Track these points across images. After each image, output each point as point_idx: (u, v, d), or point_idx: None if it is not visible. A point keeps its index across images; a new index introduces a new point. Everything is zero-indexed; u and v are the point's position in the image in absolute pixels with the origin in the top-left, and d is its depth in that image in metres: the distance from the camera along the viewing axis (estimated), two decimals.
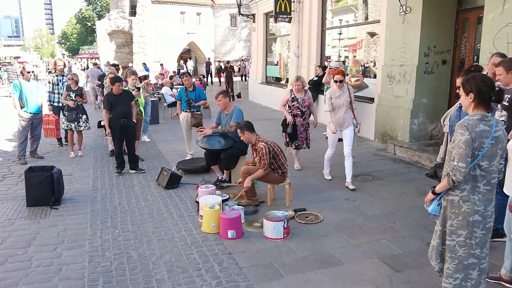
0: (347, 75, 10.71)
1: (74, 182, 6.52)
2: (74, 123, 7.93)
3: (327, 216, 4.98)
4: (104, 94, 7.92)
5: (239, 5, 15.74)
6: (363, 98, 9.70)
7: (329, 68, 9.95)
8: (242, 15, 16.99)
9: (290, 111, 6.85)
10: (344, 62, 11.21)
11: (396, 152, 7.86)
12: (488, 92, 2.64)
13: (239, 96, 17.92)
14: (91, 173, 6.98)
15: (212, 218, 4.55)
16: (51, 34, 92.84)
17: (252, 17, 16.66)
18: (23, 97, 7.46)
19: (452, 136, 4.25)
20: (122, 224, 4.87)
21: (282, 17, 12.61)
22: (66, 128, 8.00)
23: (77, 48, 66.84)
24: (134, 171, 6.99)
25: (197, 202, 5.11)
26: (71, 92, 7.87)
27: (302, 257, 4.00)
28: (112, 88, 6.77)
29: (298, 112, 6.80)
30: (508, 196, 3.17)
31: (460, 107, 4.28)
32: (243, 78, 28.11)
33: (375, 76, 9.34)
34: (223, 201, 4.98)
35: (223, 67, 22.93)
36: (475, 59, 7.13)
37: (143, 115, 8.41)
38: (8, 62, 32.88)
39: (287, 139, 6.96)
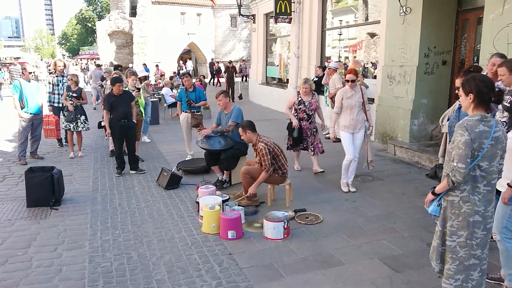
0: (343, 74, 10.72)
1: (74, 182, 6.52)
2: (72, 124, 7.94)
3: (327, 217, 4.98)
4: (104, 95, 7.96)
5: (239, 6, 15.75)
6: None
7: (328, 69, 9.98)
8: (243, 15, 17.00)
9: (296, 114, 6.67)
10: (345, 63, 11.23)
11: (396, 152, 7.87)
12: (487, 92, 2.65)
13: (240, 97, 17.84)
14: (91, 174, 6.98)
15: (212, 218, 4.56)
16: (51, 34, 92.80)
17: (252, 17, 16.67)
18: (24, 97, 7.46)
19: (451, 136, 4.27)
20: (122, 225, 4.87)
21: (282, 17, 12.63)
22: (65, 128, 8.03)
23: (77, 49, 66.85)
24: (134, 172, 6.99)
25: (197, 203, 5.11)
26: (70, 93, 7.89)
27: (302, 258, 4.00)
28: (112, 89, 6.78)
29: (305, 116, 6.62)
30: None
31: (459, 107, 4.28)
32: (244, 78, 28.07)
33: (375, 77, 9.34)
34: (223, 201, 4.98)
35: (224, 68, 22.72)
36: (475, 59, 7.13)
37: (143, 115, 8.42)
38: (9, 63, 32.91)
39: (290, 142, 6.79)
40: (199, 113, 7.77)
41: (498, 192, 3.05)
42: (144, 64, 24.18)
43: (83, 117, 8.07)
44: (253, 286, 3.53)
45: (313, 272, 3.74)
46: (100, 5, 64.83)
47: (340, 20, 11.48)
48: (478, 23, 7.11)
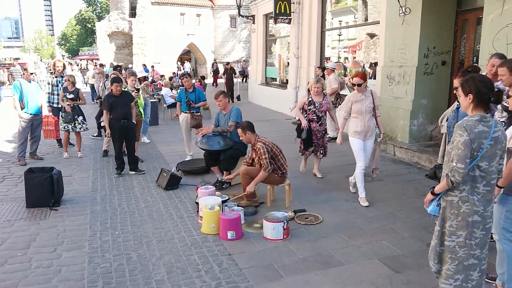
0: (343, 75, 10.73)
1: (73, 183, 6.52)
2: (70, 124, 7.94)
3: (327, 217, 4.98)
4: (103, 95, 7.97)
5: (239, 6, 15.75)
6: None
7: (326, 69, 10.01)
8: (242, 16, 17.01)
9: (305, 115, 6.40)
10: (344, 63, 11.24)
11: (395, 153, 7.87)
12: (487, 93, 2.65)
13: (238, 98, 17.81)
14: (91, 174, 6.98)
15: (212, 219, 4.55)
16: (51, 35, 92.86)
17: (252, 18, 16.68)
18: (24, 98, 7.46)
19: (450, 136, 4.28)
20: (122, 225, 4.86)
21: (282, 18, 12.63)
22: (63, 129, 8.02)
23: (77, 50, 66.86)
24: (133, 172, 6.99)
25: (197, 203, 5.11)
26: (67, 93, 7.88)
27: (302, 258, 4.00)
28: (111, 89, 6.78)
29: (314, 117, 6.35)
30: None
31: (458, 107, 4.29)
32: (244, 79, 28.04)
33: (374, 77, 9.34)
34: (223, 202, 4.98)
35: (223, 69, 22.58)
36: (475, 60, 7.14)
37: (143, 116, 8.42)
38: (9, 63, 32.88)
39: (302, 145, 6.52)
40: (199, 113, 7.77)
41: None
42: (144, 65, 24.19)
43: (81, 118, 8.07)
44: (253, 287, 3.53)
45: (312, 272, 3.74)
46: (99, 5, 64.87)
47: (339, 21, 11.49)
48: (478, 23, 7.11)
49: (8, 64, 32.30)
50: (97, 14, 63.68)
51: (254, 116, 12.31)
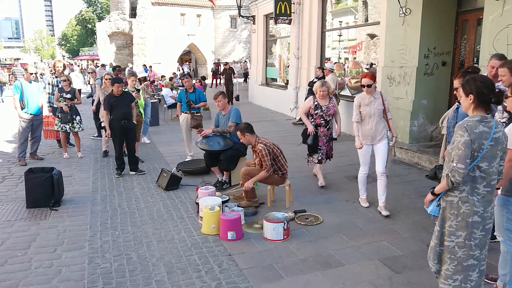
0: (343, 75, 10.73)
1: (74, 183, 6.52)
2: (68, 125, 7.93)
3: (327, 218, 4.98)
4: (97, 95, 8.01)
5: (239, 7, 15.76)
6: None
7: (324, 70, 10.03)
8: (242, 16, 17.01)
9: (312, 120, 6.10)
10: (343, 64, 11.24)
11: (396, 153, 7.86)
12: (488, 93, 2.65)
13: (237, 98, 17.67)
14: (91, 175, 6.98)
15: (212, 219, 4.55)
16: (51, 35, 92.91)
17: (252, 18, 16.69)
18: (24, 98, 7.46)
19: (449, 137, 4.28)
20: (122, 226, 4.87)
21: (282, 18, 12.64)
22: (60, 130, 7.97)
23: (77, 50, 66.89)
24: (134, 173, 6.99)
25: (197, 204, 5.11)
26: (64, 94, 7.87)
27: (302, 259, 4.00)
28: (112, 89, 6.78)
29: (322, 122, 6.06)
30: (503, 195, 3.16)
31: (457, 108, 4.29)
32: (246, 80, 28.03)
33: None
34: (223, 202, 4.98)
35: (222, 69, 22.37)
36: (475, 60, 7.14)
37: (143, 116, 8.43)
38: (9, 64, 32.89)
39: (308, 152, 6.24)
40: (199, 114, 7.78)
41: None
42: (144, 65, 24.19)
43: (78, 118, 8.07)
44: (253, 287, 3.53)
45: (313, 273, 3.74)
46: (100, 6, 64.91)
47: (340, 21, 11.49)
48: (478, 24, 7.12)
49: (8, 64, 32.31)
50: (97, 14, 63.71)
51: (254, 117, 12.33)
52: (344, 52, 11.32)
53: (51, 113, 8.45)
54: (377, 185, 5.13)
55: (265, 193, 5.53)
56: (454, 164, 2.61)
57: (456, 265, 2.77)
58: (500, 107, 3.76)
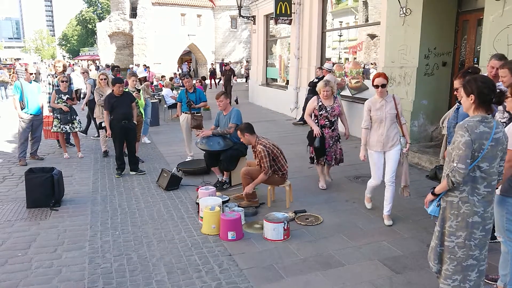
0: (343, 75, 10.73)
1: (74, 183, 6.52)
2: (68, 125, 7.92)
3: (327, 218, 4.98)
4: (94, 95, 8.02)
5: (240, 7, 15.77)
6: (363, 99, 9.71)
7: (322, 70, 10.03)
8: (243, 17, 17.02)
9: (317, 121, 5.97)
10: (344, 64, 11.23)
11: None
12: (488, 93, 2.66)
13: (236, 101, 17.21)
14: (91, 175, 6.98)
15: (212, 219, 4.55)
16: (52, 35, 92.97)
17: (252, 19, 16.69)
18: (24, 98, 7.46)
19: (450, 137, 4.28)
20: (122, 226, 4.87)
21: (283, 19, 12.64)
22: (60, 131, 7.94)
23: (77, 50, 66.92)
24: (134, 173, 6.99)
25: (197, 204, 5.11)
26: (62, 95, 7.86)
27: (302, 259, 4.00)
28: (113, 89, 6.79)
29: (327, 123, 5.92)
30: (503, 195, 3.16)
31: (458, 108, 4.29)
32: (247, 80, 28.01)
33: None
34: (223, 202, 4.98)
35: (223, 69, 22.13)
36: (475, 61, 7.14)
37: (143, 116, 8.43)
38: (10, 64, 32.91)
39: (313, 154, 6.10)
40: (199, 114, 7.78)
41: None
42: (144, 65, 24.20)
43: (77, 118, 8.08)
44: (253, 287, 3.53)
45: (313, 273, 3.74)
46: (100, 6, 64.95)
47: (340, 22, 11.49)
48: (478, 24, 7.12)
49: (9, 64, 32.33)
50: (98, 14, 63.76)
51: (255, 117, 12.34)
52: (345, 52, 11.32)
53: (51, 113, 8.44)
54: (385, 193, 4.82)
55: (265, 193, 5.53)
56: (455, 164, 2.62)
57: (455, 265, 2.77)
58: (500, 108, 3.76)
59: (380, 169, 4.80)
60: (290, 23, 12.87)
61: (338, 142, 6.09)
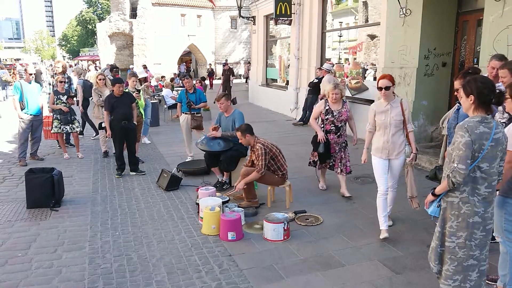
0: (343, 76, 10.74)
1: (74, 184, 6.52)
2: (68, 125, 7.92)
3: (327, 218, 4.98)
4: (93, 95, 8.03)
5: (240, 8, 15.78)
6: (364, 100, 9.72)
7: (321, 70, 10.04)
8: (243, 17, 17.03)
9: (322, 126, 5.68)
10: (344, 65, 11.24)
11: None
12: (488, 94, 2.66)
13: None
14: (91, 175, 6.98)
15: (212, 220, 4.56)
16: (52, 36, 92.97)
17: (252, 19, 16.70)
18: (24, 98, 7.46)
19: (450, 138, 4.27)
20: (122, 226, 4.87)
21: (283, 19, 12.65)
22: (60, 131, 7.93)
23: (77, 50, 66.92)
24: (134, 173, 6.99)
25: (197, 204, 5.11)
26: (60, 95, 7.86)
27: (302, 259, 4.00)
28: (113, 90, 6.79)
29: (332, 128, 5.62)
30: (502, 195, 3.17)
31: (458, 109, 4.29)
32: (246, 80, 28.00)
33: (375, 79, 9.35)
34: (223, 203, 4.98)
35: (222, 70, 21.97)
36: (475, 61, 7.14)
37: (143, 117, 8.43)
38: (10, 64, 32.91)
39: (315, 158, 5.87)
40: (199, 114, 7.78)
41: None
42: (144, 66, 24.19)
43: (77, 117, 8.08)
44: (253, 287, 3.53)
45: (313, 273, 3.74)
46: (100, 6, 64.93)
47: (340, 22, 11.49)
48: (478, 25, 7.12)
49: (9, 64, 32.34)
50: (98, 15, 63.74)
51: (255, 117, 12.34)
52: (344, 52, 11.32)
53: (51, 113, 8.44)
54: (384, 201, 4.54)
55: (265, 193, 5.53)
56: (455, 165, 2.62)
57: (456, 266, 2.77)
58: (500, 108, 3.76)
59: (385, 174, 4.49)
60: (290, 24, 12.88)
61: (345, 149, 5.78)
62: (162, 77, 21.87)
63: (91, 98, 9.12)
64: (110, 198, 5.83)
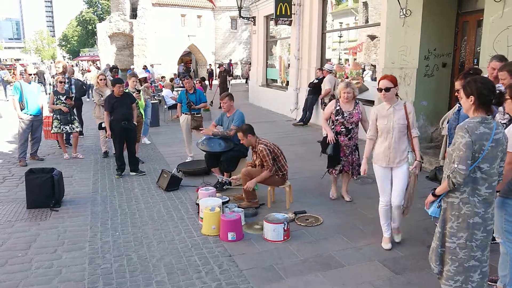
0: (343, 76, 10.74)
1: (74, 184, 6.52)
2: (68, 126, 7.92)
3: (327, 219, 4.98)
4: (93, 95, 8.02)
5: (240, 8, 15.79)
6: (364, 100, 9.71)
7: (322, 71, 10.05)
8: (243, 17, 17.04)
9: (332, 127, 5.35)
10: (344, 65, 11.24)
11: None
12: (488, 95, 2.66)
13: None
14: (92, 175, 6.98)
15: (212, 220, 4.56)
16: (52, 36, 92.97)
17: (252, 20, 16.71)
18: (24, 99, 7.46)
19: (450, 138, 4.27)
20: (122, 226, 4.87)
21: (283, 20, 12.65)
22: (60, 131, 7.93)
23: (77, 51, 66.94)
24: (134, 173, 6.99)
25: (197, 204, 5.11)
26: (60, 96, 7.86)
27: (302, 260, 4.00)
28: (113, 90, 6.79)
29: (343, 130, 5.28)
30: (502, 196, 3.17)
31: (459, 109, 4.29)
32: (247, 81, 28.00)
33: (375, 79, 9.36)
34: (223, 203, 4.98)
35: (218, 71, 21.54)
36: (475, 62, 7.15)
37: (144, 117, 8.43)
38: (10, 64, 32.96)
39: (328, 164, 5.53)
40: (199, 115, 7.78)
41: None
42: (145, 66, 24.21)
43: (76, 117, 8.09)
44: None
45: (313, 274, 3.74)
46: (100, 7, 64.94)
47: (340, 22, 11.50)
48: (478, 25, 7.12)
49: (9, 65, 32.37)
50: (98, 15, 63.75)
51: (255, 117, 12.34)
52: (345, 53, 11.33)
53: (52, 113, 8.44)
54: (392, 215, 4.30)
55: (265, 194, 5.53)
56: (455, 165, 2.62)
57: (457, 266, 2.77)
58: (500, 109, 3.76)
59: (388, 184, 4.17)
60: (290, 24, 12.88)
61: (355, 152, 5.45)
62: (162, 77, 21.88)
63: (84, 96, 9.06)
64: (110, 199, 5.83)
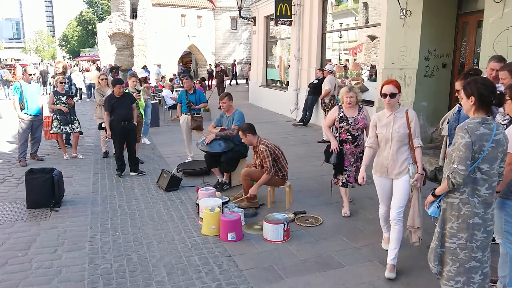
0: (343, 77, 10.74)
1: (74, 184, 6.52)
2: (68, 126, 7.92)
3: (327, 219, 4.99)
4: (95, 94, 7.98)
5: (240, 8, 15.80)
6: (364, 101, 9.71)
7: (323, 71, 10.06)
8: (243, 18, 17.05)
9: (337, 134, 5.02)
10: (344, 65, 11.25)
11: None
12: (488, 95, 2.66)
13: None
14: (92, 175, 6.98)
15: (212, 220, 4.56)
16: (52, 36, 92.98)
17: (252, 20, 16.72)
18: (24, 99, 7.46)
19: (451, 139, 4.28)
20: (122, 226, 4.87)
21: (283, 20, 12.66)
22: (60, 132, 7.93)
23: (77, 51, 66.95)
24: (134, 174, 6.99)
25: (197, 205, 5.11)
26: (60, 96, 7.85)
27: (302, 260, 4.01)
28: (113, 90, 6.80)
29: (348, 137, 4.93)
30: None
31: (459, 110, 4.29)
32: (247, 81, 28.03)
33: (375, 79, 9.36)
34: (223, 203, 4.98)
35: (215, 72, 20.82)
36: (475, 62, 7.15)
37: (144, 117, 8.43)
38: (10, 64, 32.96)
39: (336, 179, 5.21)
40: (199, 115, 7.78)
41: None
42: (145, 66, 24.22)
43: (76, 117, 8.08)
44: None
45: (313, 274, 3.74)
46: (100, 7, 64.98)
47: (340, 23, 11.50)
48: (478, 26, 7.13)
49: (9, 65, 32.37)
50: (98, 15, 63.79)
51: (255, 118, 12.32)
52: (345, 53, 11.33)
53: (52, 113, 8.44)
54: (390, 234, 3.90)
55: (265, 194, 5.53)
56: (455, 166, 2.62)
57: (458, 267, 2.77)
58: (501, 109, 3.76)
59: (386, 196, 3.94)
60: (290, 25, 12.89)
61: (360, 160, 4.81)
62: (162, 77, 21.88)
63: (77, 99, 9.05)
64: (110, 199, 5.83)
